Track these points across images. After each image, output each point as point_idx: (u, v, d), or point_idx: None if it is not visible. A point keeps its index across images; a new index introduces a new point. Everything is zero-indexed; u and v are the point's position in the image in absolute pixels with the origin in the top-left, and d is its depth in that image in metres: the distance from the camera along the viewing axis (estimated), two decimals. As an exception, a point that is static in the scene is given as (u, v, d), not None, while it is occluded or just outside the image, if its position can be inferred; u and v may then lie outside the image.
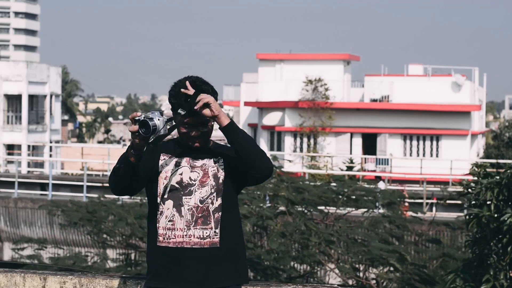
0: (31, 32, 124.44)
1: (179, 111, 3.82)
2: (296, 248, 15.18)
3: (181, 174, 3.93)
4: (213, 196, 3.93)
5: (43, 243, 19.08)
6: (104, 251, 19.62)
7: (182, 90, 3.84)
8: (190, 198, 3.91)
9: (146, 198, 4.10)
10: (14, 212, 25.11)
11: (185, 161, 3.95)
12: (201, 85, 3.90)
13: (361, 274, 15.06)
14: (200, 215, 3.90)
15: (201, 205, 3.90)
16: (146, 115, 3.78)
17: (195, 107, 3.79)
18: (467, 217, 8.93)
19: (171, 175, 3.93)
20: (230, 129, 3.83)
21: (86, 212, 17.73)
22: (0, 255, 24.95)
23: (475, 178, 8.98)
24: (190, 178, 3.93)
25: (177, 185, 3.92)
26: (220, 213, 3.92)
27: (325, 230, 15.04)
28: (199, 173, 3.94)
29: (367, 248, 14.47)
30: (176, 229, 3.89)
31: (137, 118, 3.77)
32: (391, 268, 14.69)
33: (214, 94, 3.93)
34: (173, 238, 3.89)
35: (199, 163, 3.95)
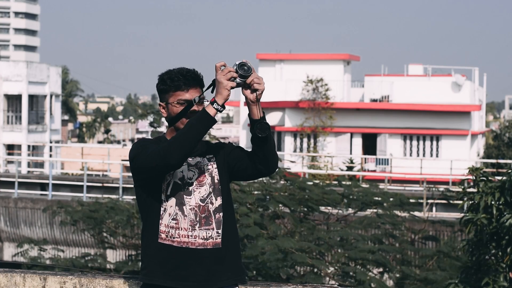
0: (31, 32, 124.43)
1: (238, 79, 3.70)
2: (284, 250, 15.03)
3: (182, 171, 3.88)
4: (212, 196, 3.90)
5: (44, 244, 19.03)
6: (104, 251, 19.62)
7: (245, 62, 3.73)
8: (191, 198, 3.87)
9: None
10: (14, 212, 25.09)
11: None
12: (198, 73, 3.90)
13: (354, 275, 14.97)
14: (203, 215, 3.87)
15: (203, 205, 3.88)
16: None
17: (249, 81, 3.72)
18: (463, 221, 8.92)
19: (173, 172, 3.86)
20: (264, 119, 3.78)
21: (89, 211, 17.72)
22: (0, 255, 24.94)
23: (474, 178, 8.97)
24: (188, 176, 3.89)
25: (179, 182, 3.87)
26: (221, 214, 3.90)
27: (314, 232, 14.98)
28: (194, 172, 3.90)
29: (354, 249, 14.37)
30: (180, 229, 3.85)
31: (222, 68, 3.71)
32: (384, 269, 14.66)
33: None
34: (177, 238, 3.85)
35: (193, 161, 3.91)
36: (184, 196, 3.87)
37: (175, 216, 3.86)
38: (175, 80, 3.86)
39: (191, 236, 3.85)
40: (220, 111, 3.74)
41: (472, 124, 40.87)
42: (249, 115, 3.81)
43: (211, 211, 3.89)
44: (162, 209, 3.88)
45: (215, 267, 3.87)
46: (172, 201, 3.87)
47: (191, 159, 3.91)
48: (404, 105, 40.11)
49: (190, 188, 3.88)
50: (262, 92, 3.74)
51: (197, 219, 3.86)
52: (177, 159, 3.70)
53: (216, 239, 3.88)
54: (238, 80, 3.71)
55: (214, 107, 3.69)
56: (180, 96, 3.87)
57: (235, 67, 3.69)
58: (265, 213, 15.71)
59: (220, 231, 3.89)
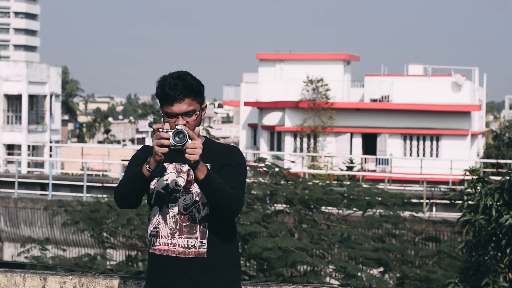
0: (31, 32, 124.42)
1: (172, 144, 3.63)
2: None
3: (166, 180, 3.85)
4: (199, 205, 3.83)
5: (46, 244, 19.05)
6: (105, 251, 19.60)
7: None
8: (175, 206, 3.83)
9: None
10: (14, 212, 25.10)
11: (171, 167, 3.86)
12: (191, 81, 3.79)
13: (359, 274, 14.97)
14: (185, 224, 3.83)
15: (185, 213, 3.83)
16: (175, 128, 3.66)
17: (183, 148, 3.62)
18: (461, 222, 8.93)
19: (157, 180, 3.84)
20: (205, 183, 3.67)
21: (89, 211, 17.71)
22: (0, 255, 24.95)
23: (471, 179, 8.98)
24: (176, 183, 3.85)
25: (162, 191, 3.85)
26: (207, 223, 3.83)
27: (316, 231, 14.98)
28: (184, 179, 3.85)
29: (356, 248, 14.37)
30: (160, 237, 3.85)
31: (165, 129, 3.63)
32: (386, 268, 14.67)
33: (201, 87, 3.84)
34: (158, 246, 3.86)
35: (185, 168, 3.85)
36: (169, 204, 3.85)
37: (157, 225, 3.87)
38: (164, 92, 3.80)
39: (171, 244, 3.83)
40: (155, 170, 3.70)
41: (472, 124, 40.87)
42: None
43: (197, 220, 3.82)
44: (148, 218, 3.96)
45: (200, 277, 3.81)
46: (156, 209, 3.88)
47: (183, 166, 3.85)
48: (404, 105, 40.10)
49: (177, 195, 3.84)
50: (195, 162, 3.61)
51: (177, 227, 3.83)
52: (119, 204, 3.88)
53: (199, 248, 3.82)
54: (172, 145, 3.62)
55: (146, 168, 3.70)
56: (166, 108, 3.80)
57: (171, 133, 3.62)
58: (266, 211, 15.71)
59: (204, 241, 3.82)
